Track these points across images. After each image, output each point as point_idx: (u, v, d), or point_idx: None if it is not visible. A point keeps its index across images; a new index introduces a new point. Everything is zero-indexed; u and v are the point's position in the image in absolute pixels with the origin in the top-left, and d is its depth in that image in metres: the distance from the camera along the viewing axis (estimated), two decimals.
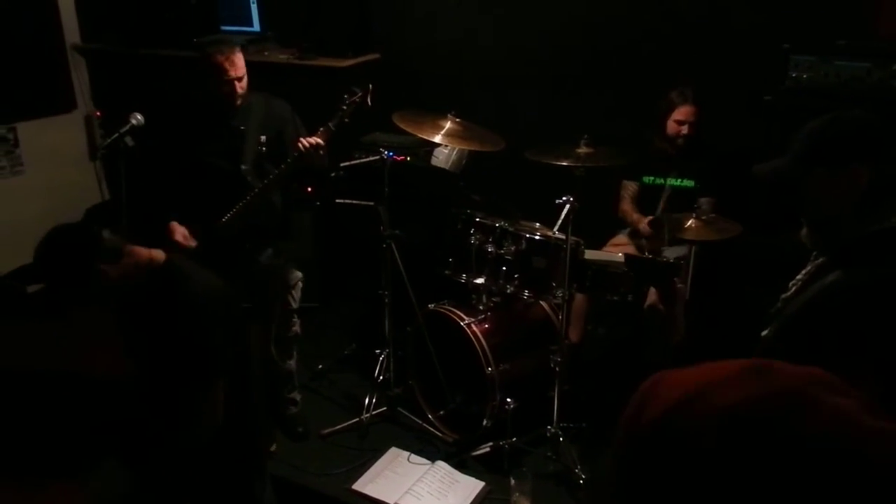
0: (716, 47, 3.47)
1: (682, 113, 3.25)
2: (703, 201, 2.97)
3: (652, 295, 3.02)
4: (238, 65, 2.89)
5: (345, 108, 2.84)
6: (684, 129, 3.25)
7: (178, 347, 2.04)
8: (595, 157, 2.84)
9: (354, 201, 3.10)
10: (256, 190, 2.91)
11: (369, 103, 2.79)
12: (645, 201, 3.43)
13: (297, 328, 3.18)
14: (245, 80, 2.93)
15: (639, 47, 3.66)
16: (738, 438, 0.61)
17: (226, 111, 2.94)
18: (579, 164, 2.79)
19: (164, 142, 3.05)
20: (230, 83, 2.87)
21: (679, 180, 3.29)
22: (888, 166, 1.47)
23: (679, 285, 2.55)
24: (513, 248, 2.99)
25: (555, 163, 2.79)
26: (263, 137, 2.97)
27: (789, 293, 1.67)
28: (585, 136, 2.86)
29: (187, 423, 2.08)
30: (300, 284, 3.14)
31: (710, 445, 0.61)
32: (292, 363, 3.22)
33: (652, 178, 3.33)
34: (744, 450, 0.60)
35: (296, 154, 2.85)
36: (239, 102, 2.94)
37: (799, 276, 1.68)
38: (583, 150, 2.86)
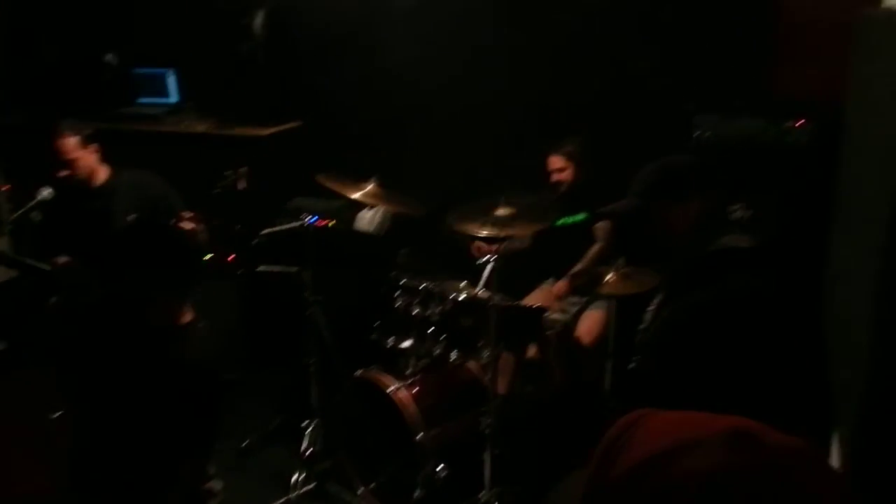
0: (626, 110, 3.65)
1: (551, 162, 3.43)
2: (598, 227, 3.27)
3: (530, 348, 3.08)
4: (64, 149, 2.81)
5: (218, 190, 2.80)
6: (558, 176, 3.41)
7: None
8: (512, 220, 2.85)
9: (277, 268, 3.10)
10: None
11: (245, 185, 2.77)
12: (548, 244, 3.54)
13: None
14: (79, 166, 2.84)
15: (555, 112, 3.83)
16: None
17: (82, 192, 2.86)
18: (498, 233, 2.80)
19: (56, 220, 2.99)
20: (63, 166, 2.80)
21: (572, 217, 3.40)
22: (712, 199, 1.77)
23: (548, 332, 2.58)
24: (438, 310, 2.98)
25: (476, 233, 2.85)
26: (133, 216, 2.91)
27: (645, 324, 1.87)
28: (503, 196, 2.85)
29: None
30: None
31: None
32: None
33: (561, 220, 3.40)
34: None
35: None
36: (95, 184, 2.84)
37: (650, 307, 1.87)
38: (502, 211, 2.88)
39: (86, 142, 2.89)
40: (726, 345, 1.48)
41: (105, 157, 3.04)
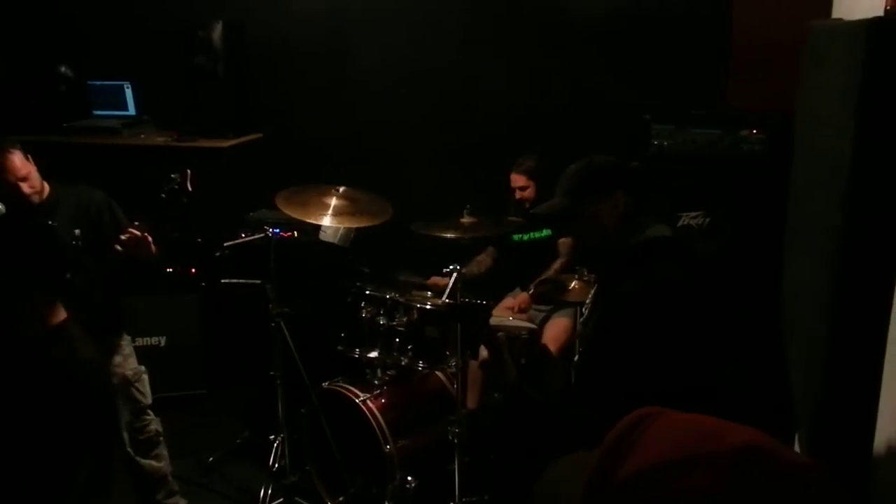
0: (586, 120, 3.74)
1: (513, 180, 3.51)
2: (562, 242, 3.36)
3: (483, 351, 3.08)
4: (12, 168, 2.73)
5: (163, 196, 2.74)
6: (521, 196, 3.49)
7: (51, 416, 1.94)
8: (477, 226, 2.95)
9: (240, 280, 3.09)
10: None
11: (189, 189, 2.72)
12: (516, 260, 3.63)
13: (155, 426, 2.99)
14: (33, 178, 2.79)
15: (517, 121, 3.91)
16: None
17: (25, 209, 2.79)
18: (463, 236, 2.89)
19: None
20: (12, 185, 2.73)
21: (537, 233, 3.50)
22: (635, 193, 1.84)
23: (499, 334, 2.64)
24: (405, 320, 2.98)
25: (440, 234, 2.87)
26: (78, 231, 2.83)
27: (584, 317, 1.95)
28: (468, 206, 2.96)
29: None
30: (144, 377, 2.98)
31: None
32: (163, 465, 3.02)
33: (519, 236, 3.52)
34: None
35: (111, 254, 2.68)
36: (37, 200, 2.80)
37: (588, 300, 1.97)
38: (466, 220, 2.95)
39: (27, 156, 2.83)
40: (661, 330, 1.60)
41: (52, 173, 2.97)
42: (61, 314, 2.12)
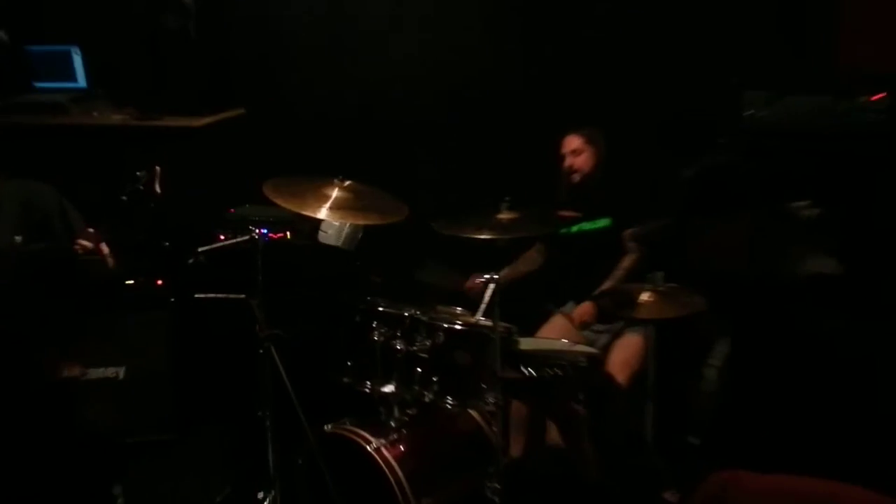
0: (655, 87, 3.69)
1: (566, 144, 3.48)
2: (629, 234, 3.27)
3: (550, 428, 3.05)
4: None
5: (125, 198, 2.73)
6: (571, 163, 3.47)
7: None
8: (521, 223, 2.86)
9: (220, 295, 3.05)
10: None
11: (158, 191, 2.71)
12: (562, 259, 3.61)
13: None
14: None
15: (566, 89, 3.86)
16: None
17: None
18: (501, 237, 2.81)
19: None
20: None
21: (591, 223, 3.46)
22: (768, 213, 1.63)
23: (576, 407, 2.59)
24: (428, 344, 2.91)
25: (474, 236, 2.80)
26: (20, 238, 2.82)
27: (709, 386, 2.05)
28: (506, 198, 2.88)
29: None
30: None
31: None
32: None
33: (566, 229, 3.49)
34: None
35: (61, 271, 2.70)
36: None
37: (712, 361, 1.83)
38: (505, 215, 2.87)
39: None
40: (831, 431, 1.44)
41: None
42: (75, 369, 2.29)
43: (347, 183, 3.00)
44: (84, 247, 2.62)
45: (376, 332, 3.01)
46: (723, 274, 1.75)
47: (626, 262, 3.45)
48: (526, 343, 2.97)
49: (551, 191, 3.62)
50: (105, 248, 2.65)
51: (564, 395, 2.72)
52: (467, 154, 3.95)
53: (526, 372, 2.90)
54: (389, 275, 3.31)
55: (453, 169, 3.94)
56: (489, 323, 2.81)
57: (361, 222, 3.19)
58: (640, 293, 2.97)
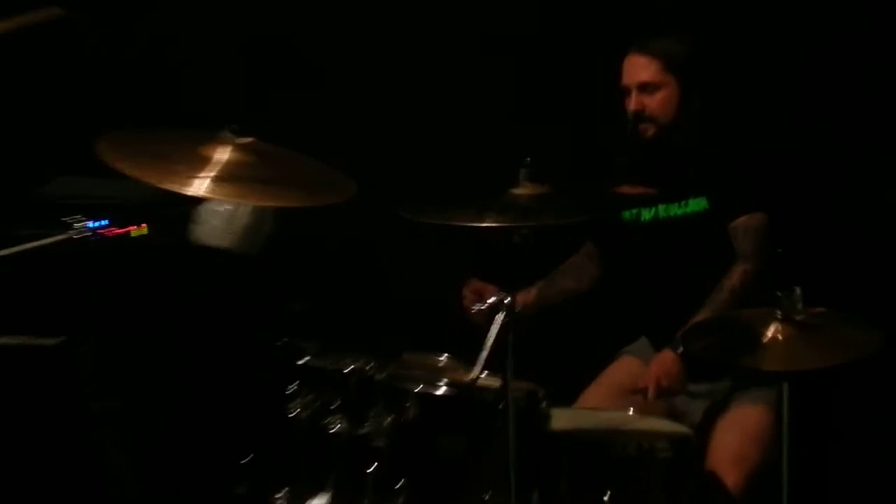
0: None
1: (629, 71, 3.11)
2: (743, 224, 2.98)
3: None
4: None
5: None
6: (641, 104, 3.09)
7: None
8: (554, 204, 2.49)
9: (14, 340, 2.73)
10: None
11: None
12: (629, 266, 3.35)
13: None
14: None
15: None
16: None
17: None
18: (522, 226, 2.43)
19: None
20: None
21: (678, 205, 3.10)
22: None
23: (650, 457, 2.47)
24: (389, 421, 2.52)
25: (466, 224, 2.43)
26: None
27: None
28: (527, 160, 2.49)
29: None
30: None
31: None
32: None
33: (632, 213, 3.19)
34: None
35: None
36: None
37: None
38: (525, 189, 2.48)
39: None
40: None
41: None
42: None
43: (247, 140, 2.59)
44: None
45: (298, 402, 2.65)
46: None
47: (736, 274, 3.01)
48: (564, 418, 2.62)
49: (606, 153, 3.37)
50: None
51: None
52: (456, 97, 3.77)
53: (563, 468, 2.57)
54: (321, 300, 2.98)
55: (436, 122, 3.73)
56: (496, 382, 2.44)
57: (270, 205, 2.91)
58: (763, 325, 2.54)
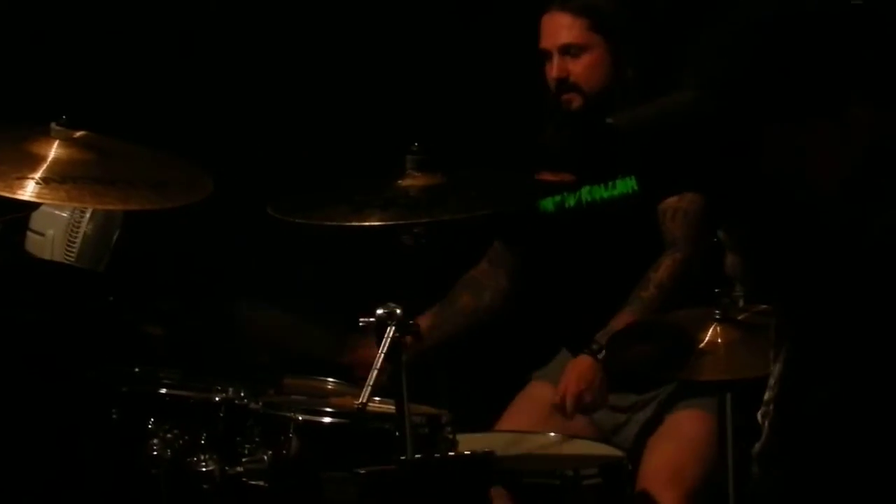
0: None
1: (548, 30, 2.90)
2: (671, 206, 2.84)
3: None
4: None
5: None
6: (563, 70, 2.87)
7: None
8: (451, 196, 2.39)
9: None
10: None
11: None
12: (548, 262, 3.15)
13: None
14: None
15: None
16: None
17: None
18: (413, 221, 2.34)
19: None
20: None
21: (604, 187, 2.91)
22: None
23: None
24: (266, 459, 2.35)
25: (353, 224, 2.35)
26: None
27: (770, 394, 1.35)
28: (414, 145, 2.39)
29: None
30: None
31: None
32: None
33: (554, 199, 2.97)
34: None
35: None
36: None
37: (776, 362, 1.38)
38: (413, 180, 2.37)
39: None
40: None
41: None
42: None
43: (79, 134, 2.48)
44: None
45: (156, 440, 2.43)
46: (802, 214, 1.22)
47: (664, 266, 2.80)
48: (476, 444, 2.45)
49: (522, 128, 3.22)
50: None
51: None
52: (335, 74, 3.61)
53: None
54: (181, 321, 2.74)
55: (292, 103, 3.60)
56: (390, 407, 2.33)
57: (115, 210, 2.79)
58: (699, 327, 2.48)
